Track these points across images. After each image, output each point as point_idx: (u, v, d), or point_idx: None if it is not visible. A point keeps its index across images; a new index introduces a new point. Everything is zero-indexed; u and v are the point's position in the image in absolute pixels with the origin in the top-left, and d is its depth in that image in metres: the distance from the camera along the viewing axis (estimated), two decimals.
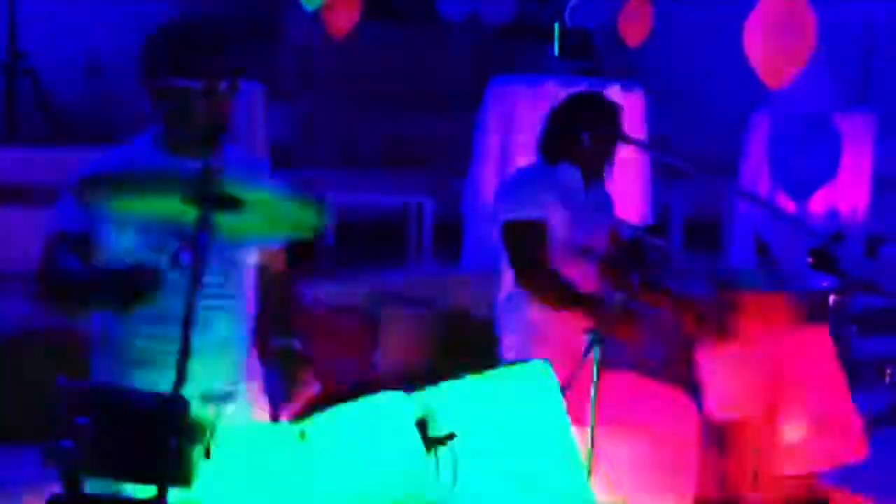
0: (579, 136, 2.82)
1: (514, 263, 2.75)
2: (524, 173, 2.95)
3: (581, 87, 4.93)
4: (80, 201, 1.95)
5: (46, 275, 1.95)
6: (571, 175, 2.84)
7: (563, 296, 2.70)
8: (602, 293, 2.73)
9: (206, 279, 1.87)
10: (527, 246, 2.73)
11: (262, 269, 2.15)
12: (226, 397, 2.05)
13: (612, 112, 2.89)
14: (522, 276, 2.73)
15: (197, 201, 1.70)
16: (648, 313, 2.67)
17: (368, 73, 6.37)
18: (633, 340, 2.54)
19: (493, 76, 5.16)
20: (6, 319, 3.47)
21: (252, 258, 2.11)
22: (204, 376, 1.95)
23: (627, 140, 2.94)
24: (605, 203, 2.97)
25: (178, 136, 2.00)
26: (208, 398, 1.93)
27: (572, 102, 2.91)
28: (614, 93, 4.94)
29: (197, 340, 1.83)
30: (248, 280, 2.11)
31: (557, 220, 2.75)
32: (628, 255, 2.89)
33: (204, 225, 1.70)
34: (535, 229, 2.73)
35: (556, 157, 2.84)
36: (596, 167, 2.88)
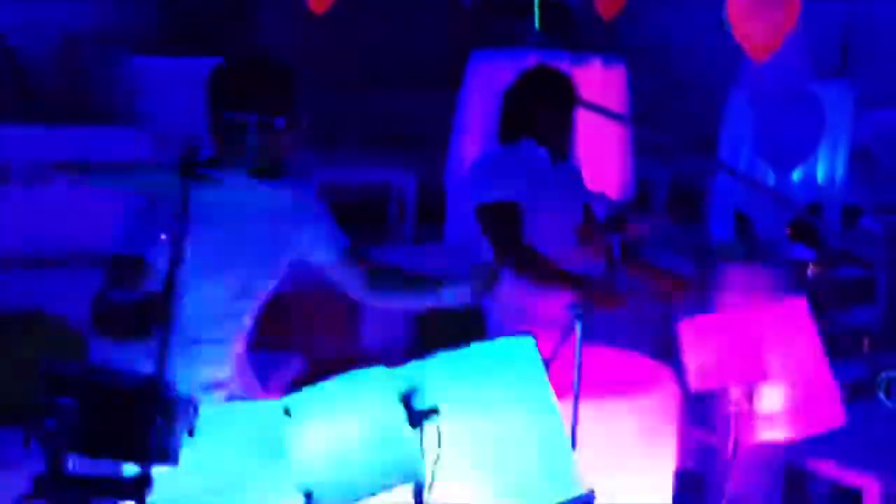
0: (534, 112, 2.82)
1: (492, 245, 2.78)
2: (488, 156, 2.96)
3: (564, 61, 4.93)
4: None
5: (97, 304, 1.94)
6: (535, 152, 2.84)
7: (542, 272, 2.72)
8: (580, 268, 2.75)
9: (229, 290, 1.99)
10: (501, 227, 2.75)
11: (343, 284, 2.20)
12: (218, 386, 2.08)
13: (563, 82, 2.88)
14: (501, 256, 2.75)
15: (180, 178, 1.70)
16: (628, 286, 2.70)
17: (348, 49, 6.33)
18: (613, 312, 2.57)
19: (474, 50, 5.14)
20: None
21: (274, 280, 2.14)
22: (199, 366, 1.98)
23: (587, 106, 2.95)
24: (575, 178, 2.97)
25: (232, 167, 2.02)
26: (201, 386, 1.96)
27: (522, 80, 2.90)
28: (595, 67, 4.95)
29: (206, 347, 1.93)
30: (268, 291, 2.14)
31: (527, 198, 2.76)
32: (610, 226, 2.91)
33: (186, 203, 1.70)
34: (507, 210, 2.74)
35: (514, 136, 2.85)
36: (558, 141, 2.88)
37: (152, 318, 1.72)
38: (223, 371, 2.12)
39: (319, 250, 2.19)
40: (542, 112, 2.83)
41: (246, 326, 2.16)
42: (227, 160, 2.02)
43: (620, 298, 2.59)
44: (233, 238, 2.04)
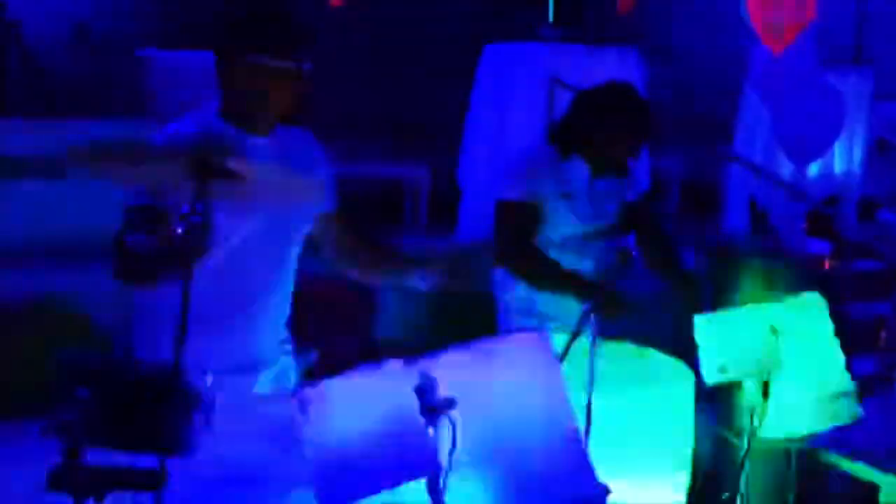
0: (594, 136, 2.69)
1: (497, 242, 2.72)
2: (532, 155, 2.84)
3: (578, 54, 4.89)
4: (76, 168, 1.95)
5: (116, 251, 1.93)
6: (580, 168, 2.75)
7: (546, 276, 2.68)
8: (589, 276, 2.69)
9: (262, 256, 1.99)
10: (513, 228, 2.69)
11: (324, 238, 2.18)
12: (263, 366, 2.08)
13: (638, 112, 2.72)
14: (502, 256, 2.71)
15: (196, 172, 1.69)
16: (644, 287, 2.66)
17: (362, 42, 6.32)
18: (620, 318, 2.53)
19: (487, 45, 5.12)
20: (6, 293, 3.48)
21: (301, 234, 2.13)
22: (248, 346, 2.00)
23: (650, 135, 2.80)
24: (616, 191, 2.83)
25: (253, 113, 2.00)
26: (245, 367, 1.97)
27: (600, 96, 2.75)
28: (610, 59, 4.93)
29: (253, 313, 1.96)
30: (295, 256, 2.14)
31: (552, 211, 2.70)
32: (624, 223, 2.87)
33: (202, 196, 1.70)
34: (526, 213, 2.67)
35: (568, 150, 2.74)
36: (610, 165, 2.75)
37: (169, 263, 1.72)
38: (263, 349, 2.10)
39: (319, 200, 2.16)
40: (606, 132, 2.68)
41: (285, 298, 2.13)
42: (243, 110, 1.99)
43: (628, 305, 2.55)
44: (254, 190, 2.00)
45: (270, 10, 2.01)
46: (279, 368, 2.15)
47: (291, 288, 2.15)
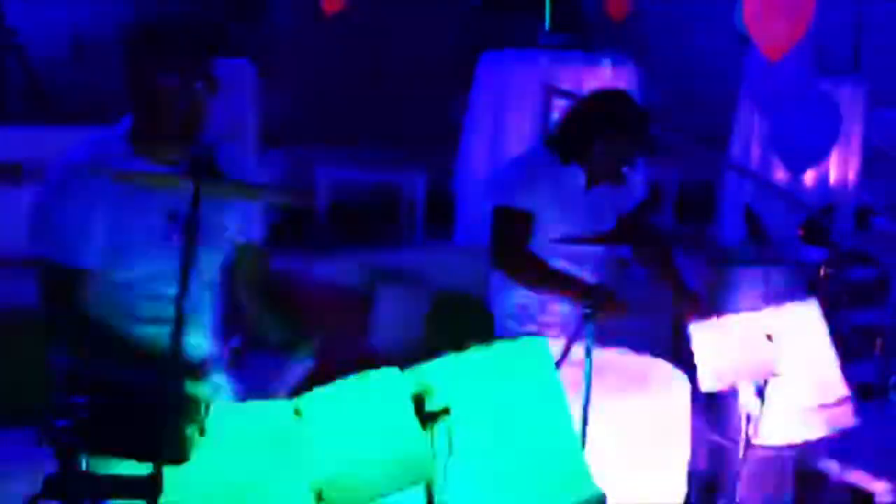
0: (592, 143, 2.69)
1: (492, 246, 2.73)
2: (528, 160, 2.84)
3: (575, 62, 4.91)
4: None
5: None
6: (576, 175, 2.76)
7: (541, 282, 2.68)
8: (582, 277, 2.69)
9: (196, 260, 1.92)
10: (509, 233, 2.69)
11: (239, 257, 2.13)
12: (213, 366, 2.07)
13: (635, 120, 2.72)
14: (498, 260, 2.71)
15: (191, 177, 1.69)
16: (634, 294, 2.66)
17: (359, 48, 6.34)
18: (617, 318, 2.53)
19: (484, 51, 5.14)
20: (3, 300, 3.47)
21: (230, 245, 2.10)
22: (194, 350, 1.98)
23: (649, 148, 2.80)
24: (613, 198, 2.84)
25: (151, 132, 1.98)
26: (198, 366, 1.95)
27: (597, 103, 2.76)
28: (605, 67, 4.94)
29: (190, 315, 1.87)
30: (205, 272, 2.07)
31: (548, 218, 2.70)
32: (623, 225, 2.87)
33: (197, 202, 1.70)
34: (522, 219, 2.68)
35: (567, 157, 2.74)
36: (607, 172, 2.76)
37: None
38: (211, 347, 2.06)
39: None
40: (599, 146, 2.68)
41: (200, 310, 2.05)
42: (147, 130, 1.96)
43: (623, 306, 2.55)
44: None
45: (168, 25, 1.95)
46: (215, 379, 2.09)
47: (209, 300, 2.06)
